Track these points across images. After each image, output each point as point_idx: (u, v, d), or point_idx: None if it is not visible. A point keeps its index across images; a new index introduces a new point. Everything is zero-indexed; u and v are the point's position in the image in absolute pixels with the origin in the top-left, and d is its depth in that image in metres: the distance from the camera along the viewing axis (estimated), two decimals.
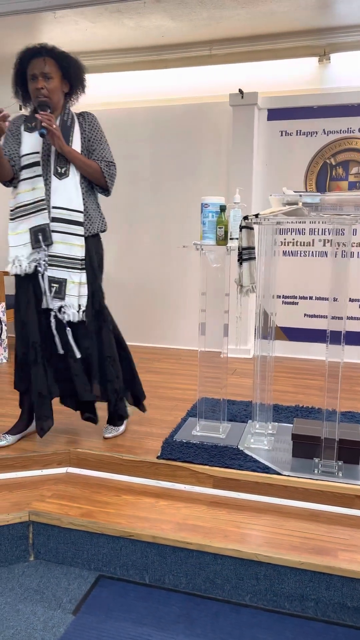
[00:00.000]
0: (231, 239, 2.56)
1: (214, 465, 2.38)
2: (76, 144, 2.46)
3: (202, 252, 2.58)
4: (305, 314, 4.46)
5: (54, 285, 2.44)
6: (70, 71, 2.46)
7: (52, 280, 2.44)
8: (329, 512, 2.17)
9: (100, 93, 4.77)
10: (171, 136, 4.67)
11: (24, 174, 2.43)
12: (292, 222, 4.32)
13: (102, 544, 2.08)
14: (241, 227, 2.35)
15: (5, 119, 2.23)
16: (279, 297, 4.45)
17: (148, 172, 4.76)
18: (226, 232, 2.49)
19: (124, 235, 4.88)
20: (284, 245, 4.44)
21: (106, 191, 2.58)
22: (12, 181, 2.46)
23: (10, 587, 2.01)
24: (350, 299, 4.31)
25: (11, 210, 2.47)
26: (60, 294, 2.44)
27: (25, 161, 2.43)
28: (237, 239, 2.51)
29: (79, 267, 2.45)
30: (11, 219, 2.47)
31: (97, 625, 1.81)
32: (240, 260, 2.37)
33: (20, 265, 2.43)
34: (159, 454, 2.47)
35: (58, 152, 2.42)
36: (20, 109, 2.57)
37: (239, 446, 2.56)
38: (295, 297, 4.47)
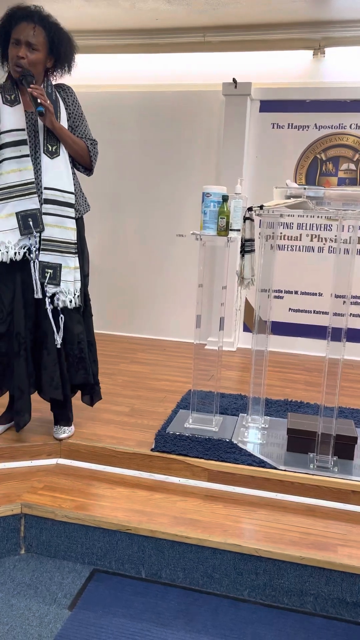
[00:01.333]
0: (231, 230, 2.52)
1: (209, 458, 2.36)
2: (63, 121, 2.31)
3: (202, 243, 2.53)
4: (290, 309, 4.47)
5: (48, 270, 2.29)
6: (60, 48, 2.28)
7: (45, 265, 2.28)
8: (325, 507, 2.18)
9: (89, 74, 4.64)
10: (161, 122, 4.58)
11: (8, 152, 2.22)
12: (295, 215, 4.30)
13: (97, 537, 2.04)
14: (245, 218, 2.31)
15: None
16: (265, 290, 4.44)
17: (135, 158, 4.66)
18: (227, 223, 2.45)
19: (109, 223, 4.79)
20: (272, 238, 4.43)
21: (89, 171, 2.45)
22: None
23: (2, 581, 1.94)
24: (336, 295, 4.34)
25: None
26: (55, 279, 2.30)
27: (8, 138, 2.22)
28: (237, 230, 2.47)
29: (73, 251, 2.34)
30: None
31: (95, 621, 1.77)
32: (243, 252, 2.34)
33: (7, 252, 2.25)
34: (152, 447, 2.43)
35: (47, 129, 2.25)
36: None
37: (232, 439, 2.54)
38: (281, 291, 4.47)
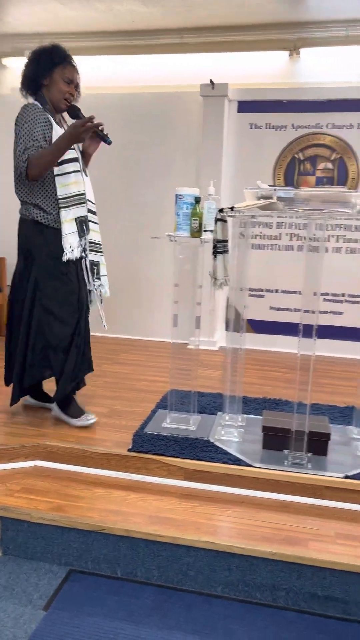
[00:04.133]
0: (205, 231, 2.55)
1: (185, 457, 2.38)
2: None
3: (176, 244, 2.56)
4: (271, 307, 4.51)
5: (94, 267, 2.76)
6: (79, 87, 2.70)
7: (93, 263, 2.74)
8: (299, 502, 2.21)
9: None
10: (141, 124, 4.60)
11: (70, 167, 2.55)
12: (266, 215, 4.33)
13: (73, 538, 2.06)
14: (216, 220, 2.34)
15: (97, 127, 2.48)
16: (239, 289, 4.47)
17: (117, 161, 4.68)
18: (200, 224, 2.47)
19: None
20: (252, 238, 4.47)
21: None
22: (37, 179, 2.51)
23: None
24: (307, 292, 4.39)
25: (61, 199, 2.54)
26: (97, 274, 2.78)
27: (68, 155, 2.53)
28: (211, 231, 2.50)
29: (102, 251, 2.84)
30: (63, 207, 2.54)
31: (68, 621, 1.79)
32: (215, 253, 2.36)
33: (72, 251, 2.58)
34: (130, 447, 2.45)
35: (82, 152, 2.70)
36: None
37: (209, 438, 2.57)
38: (262, 290, 4.51)
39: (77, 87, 2.63)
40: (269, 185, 2.43)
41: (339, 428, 2.73)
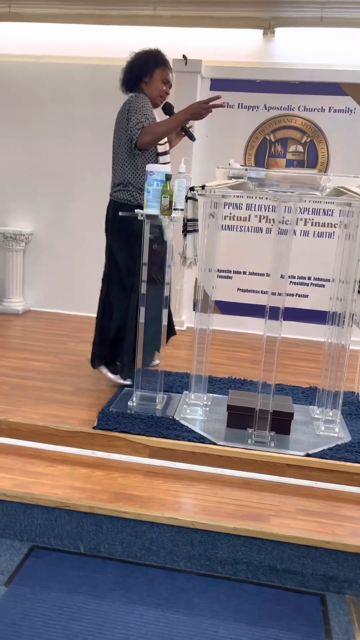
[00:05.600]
0: (175, 209, 2.52)
1: (150, 435, 2.39)
2: None
3: (146, 222, 2.52)
4: (238, 288, 4.54)
5: None
6: None
7: None
8: (261, 480, 2.26)
9: (36, 44, 4.49)
10: (111, 96, 4.45)
11: (166, 158, 2.86)
12: (237, 196, 4.32)
13: (37, 514, 2.05)
14: (187, 198, 2.32)
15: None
16: (209, 270, 4.48)
17: (85, 133, 4.57)
18: (171, 202, 2.44)
19: (57, 200, 4.69)
20: (221, 219, 4.45)
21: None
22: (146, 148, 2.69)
23: None
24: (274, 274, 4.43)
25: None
26: None
27: (164, 148, 2.85)
28: (181, 209, 2.47)
29: None
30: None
31: (31, 596, 1.79)
32: (185, 232, 2.35)
33: None
34: (95, 425, 2.45)
35: None
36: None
37: (175, 417, 2.58)
38: (230, 272, 4.53)
39: (170, 86, 2.91)
40: (241, 165, 2.42)
41: (301, 408, 2.79)
